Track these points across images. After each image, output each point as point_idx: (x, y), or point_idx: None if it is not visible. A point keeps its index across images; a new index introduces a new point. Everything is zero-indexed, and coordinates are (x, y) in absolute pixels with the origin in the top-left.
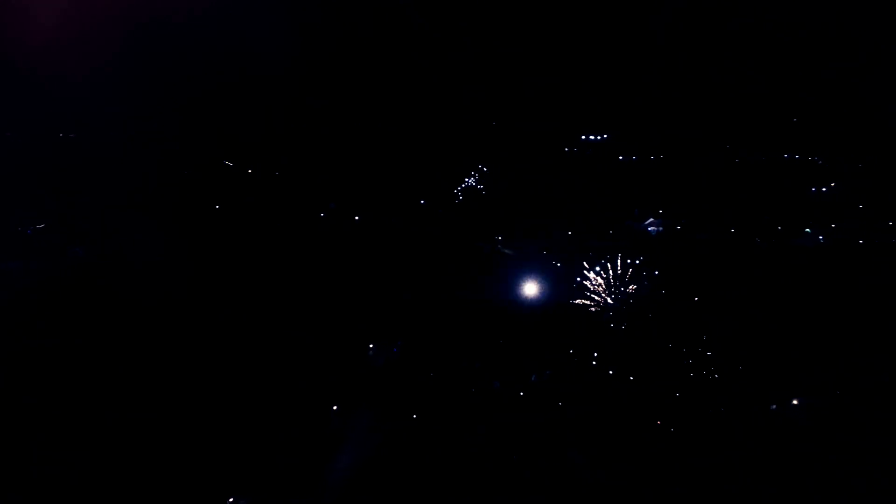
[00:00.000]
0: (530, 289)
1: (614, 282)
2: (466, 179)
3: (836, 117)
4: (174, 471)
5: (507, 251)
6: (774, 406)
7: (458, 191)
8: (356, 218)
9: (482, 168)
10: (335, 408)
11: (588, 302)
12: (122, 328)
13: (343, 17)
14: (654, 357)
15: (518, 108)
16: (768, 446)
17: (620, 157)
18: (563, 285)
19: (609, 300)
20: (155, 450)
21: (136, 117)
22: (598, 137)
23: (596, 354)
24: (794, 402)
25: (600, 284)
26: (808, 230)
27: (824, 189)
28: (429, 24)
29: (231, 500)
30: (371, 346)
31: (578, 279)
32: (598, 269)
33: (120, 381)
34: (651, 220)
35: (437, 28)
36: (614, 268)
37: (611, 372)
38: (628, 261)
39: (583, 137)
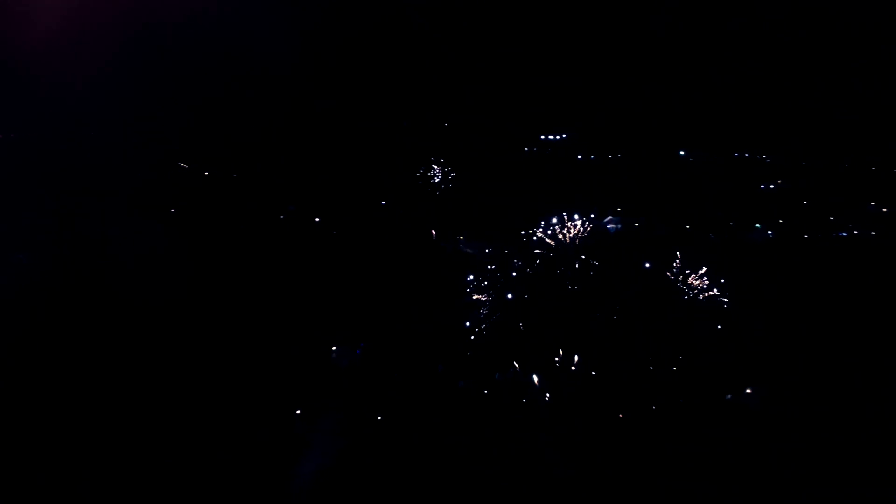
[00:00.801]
0: (492, 288)
1: (574, 278)
2: (427, 179)
3: (785, 116)
4: (126, 482)
5: (468, 251)
6: (729, 396)
7: (419, 191)
8: (316, 220)
9: (442, 167)
10: (298, 412)
11: (550, 299)
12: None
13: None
14: (614, 352)
15: (477, 107)
16: (724, 434)
17: (579, 157)
18: (524, 283)
19: (569, 297)
20: (106, 460)
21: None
22: (557, 137)
23: (559, 351)
24: (748, 390)
25: (561, 280)
26: (758, 225)
27: (772, 186)
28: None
29: None
30: (334, 348)
31: (539, 276)
32: (558, 265)
33: (80, 385)
34: (610, 217)
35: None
36: (574, 264)
37: (573, 368)
38: (588, 258)
39: (542, 137)
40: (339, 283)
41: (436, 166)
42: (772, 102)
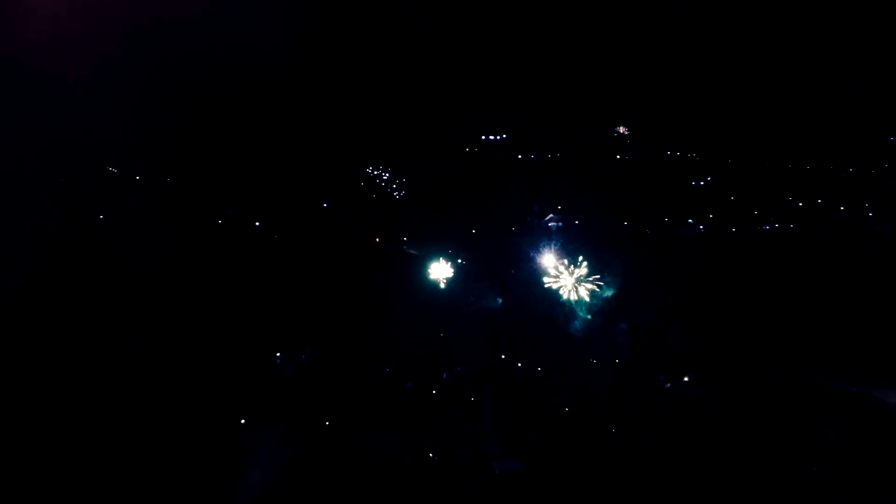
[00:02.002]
0: (437, 287)
1: (517, 276)
2: (369, 181)
3: (712, 117)
4: (74, 495)
5: (412, 251)
6: (669, 385)
7: (361, 193)
8: (256, 224)
9: (384, 170)
10: (242, 422)
11: (494, 297)
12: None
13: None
14: (558, 346)
15: (418, 109)
16: (661, 418)
17: (520, 157)
18: (468, 282)
19: (513, 294)
20: (53, 473)
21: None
22: (498, 137)
23: (503, 348)
24: (685, 378)
25: (504, 279)
26: (690, 220)
27: (702, 183)
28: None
29: None
30: (278, 354)
31: (483, 275)
32: (501, 262)
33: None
34: (551, 215)
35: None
36: (517, 261)
37: (519, 364)
38: (530, 254)
39: (483, 137)
40: (282, 288)
41: (378, 168)
42: (700, 105)
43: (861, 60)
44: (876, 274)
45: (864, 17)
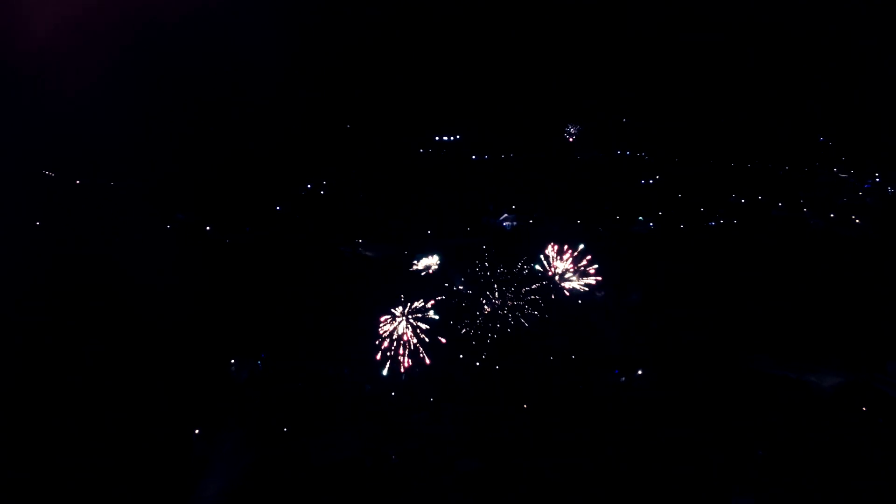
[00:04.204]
0: (394, 289)
1: (473, 274)
2: (322, 183)
3: (659, 118)
4: None
5: (368, 254)
6: (624, 379)
7: (315, 195)
8: (207, 228)
9: (338, 171)
10: (197, 431)
11: (450, 296)
12: None
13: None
14: (516, 344)
15: (370, 110)
16: (621, 415)
17: (473, 157)
18: (425, 283)
19: (470, 293)
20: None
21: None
22: (451, 138)
23: (462, 346)
24: (640, 371)
25: (462, 279)
26: (640, 217)
27: (651, 181)
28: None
29: None
30: (232, 361)
31: (439, 275)
32: (456, 262)
33: None
34: (506, 215)
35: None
36: (473, 261)
37: (477, 364)
38: (486, 254)
39: (436, 138)
40: (236, 292)
41: (331, 169)
42: (648, 107)
43: (793, 68)
44: (809, 265)
45: (793, 22)
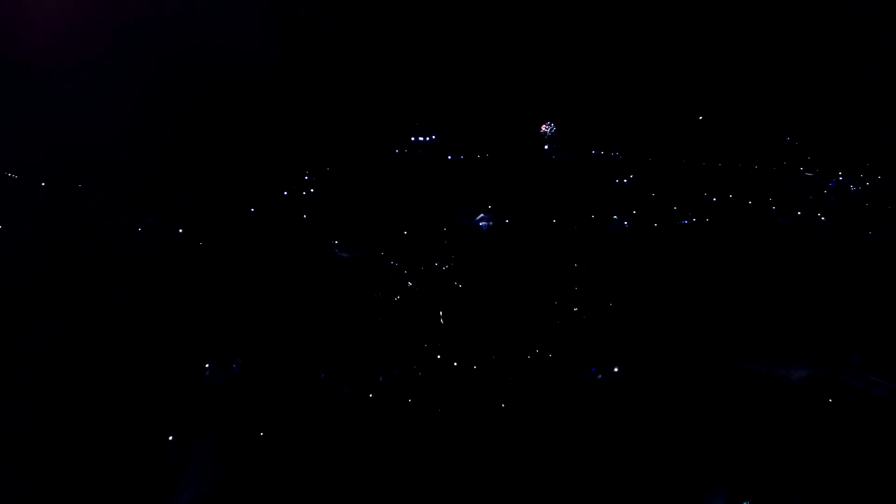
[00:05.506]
0: (369, 290)
1: (450, 275)
2: (298, 183)
3: (632, 116)
4: None
5: (343, 255)
6: (600, 376)
7: (290, 197)
8: (179, 230)
9: (312, 172)
10: (171, 437)
11: (427, 297)
12: None
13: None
14: (492, 344)
15: (345, 111)
16: (592, 408)
17: (449, 157)
18: (401, 284)
19: (446, 294)
20: None
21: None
22: (427, 138)
23: (438, 348)
24: (615, 369)
25: (437, 278)
26: (615, 217)
27: (625, 181)
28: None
29: None
30: (207, 365)
31: (416, 276)
32: (433, 263)
33: None
34: (481, 215)
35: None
36: (449, 262)
37: (455, 364)
38: (462, 255)
39: (412, 139)
40: (209, 295)
41: (306, 170)
42: (621, 107)
43: (760, 68)
44: (777, 261)
45: (759, 23)
